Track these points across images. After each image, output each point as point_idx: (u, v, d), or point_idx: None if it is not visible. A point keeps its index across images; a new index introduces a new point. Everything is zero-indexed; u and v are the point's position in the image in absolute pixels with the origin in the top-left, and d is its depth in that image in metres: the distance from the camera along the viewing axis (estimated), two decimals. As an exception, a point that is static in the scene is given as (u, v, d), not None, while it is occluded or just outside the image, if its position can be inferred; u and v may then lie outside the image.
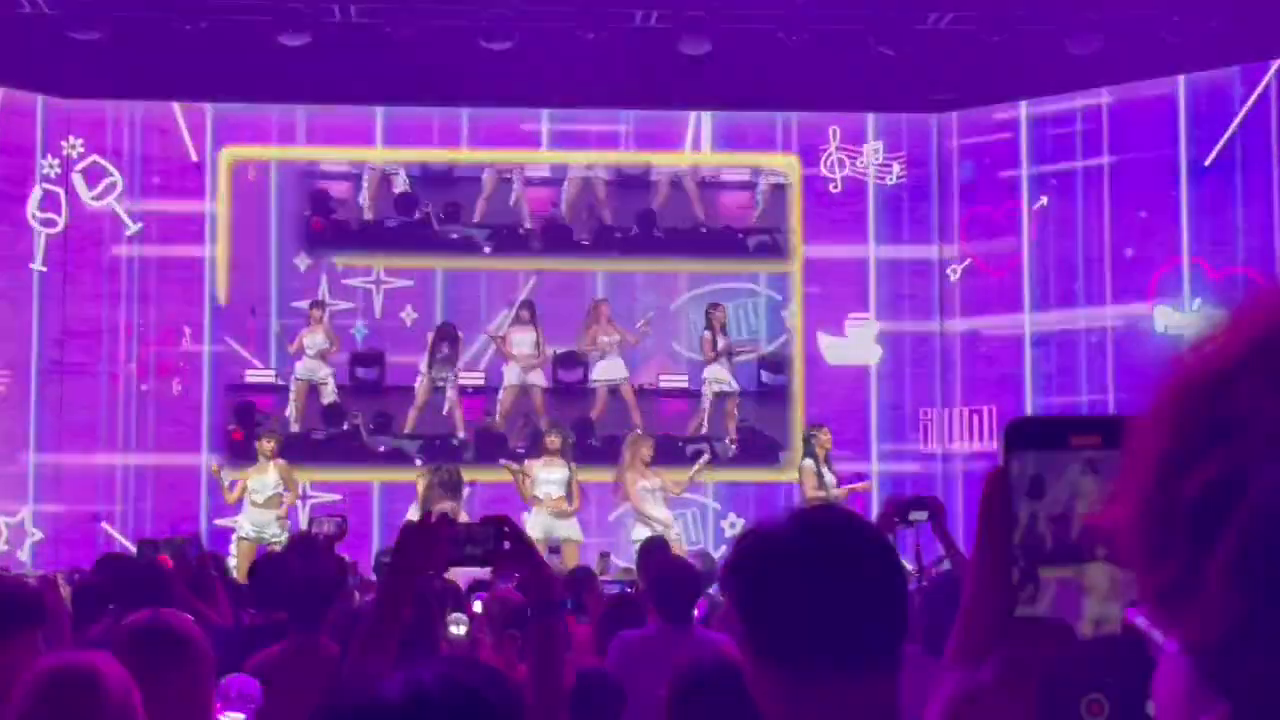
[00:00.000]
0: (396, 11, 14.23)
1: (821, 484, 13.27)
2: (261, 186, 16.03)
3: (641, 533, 12.60)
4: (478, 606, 7.04)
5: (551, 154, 16.44)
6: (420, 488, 13.38)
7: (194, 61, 14.38)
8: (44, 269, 15.35)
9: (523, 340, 15.59)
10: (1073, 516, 0.97)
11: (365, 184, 16.26)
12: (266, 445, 13.55)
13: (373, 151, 16.24)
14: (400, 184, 16.26)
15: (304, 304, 15.73)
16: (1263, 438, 0.67)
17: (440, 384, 15.65)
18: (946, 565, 6.61)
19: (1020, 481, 0.99)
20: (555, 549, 12.90)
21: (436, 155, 16.38)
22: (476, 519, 2.92)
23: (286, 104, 15.86)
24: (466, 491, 13.20)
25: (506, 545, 2.81)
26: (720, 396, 15.74)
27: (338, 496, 14.34)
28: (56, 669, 2.78)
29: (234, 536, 13.22)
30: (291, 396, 15.56)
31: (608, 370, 15.80)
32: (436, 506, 12.98)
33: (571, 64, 14.54)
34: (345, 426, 15.41)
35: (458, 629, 6.28)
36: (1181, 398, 0.73)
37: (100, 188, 15.58)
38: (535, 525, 13.09)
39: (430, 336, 15.60)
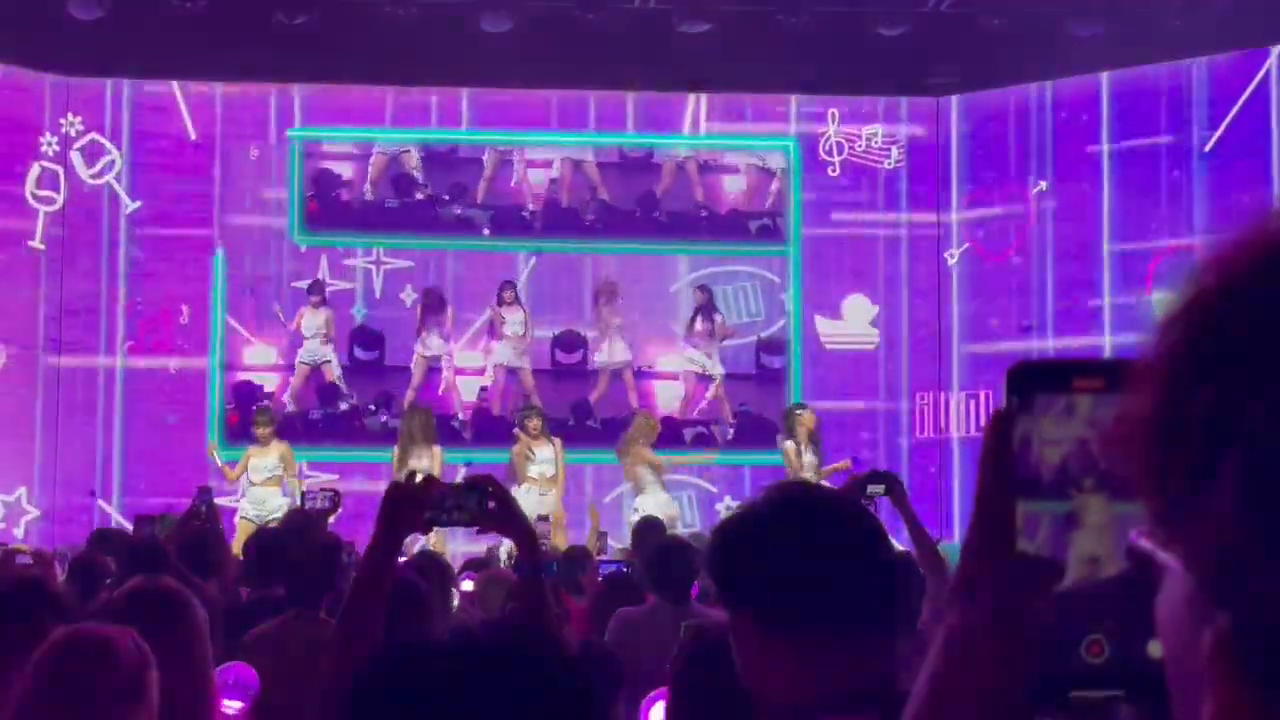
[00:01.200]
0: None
1: (802, 464, 13.31)
2: (262, 165, 16.01)
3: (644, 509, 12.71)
4: (468, 585, 7.06)
5: (551, 135, 16.41)
6: (400, 436, 13.51)
7: (193, 40, 14.36)
8: (43, 247, 15.34)
9: (513, 320, 15.61)
10: (1070, 453, 0.98)
11: (371, 165, 16.24)
12: (263, 429, 13.56)
13: (374, 131, 16.21)
14: (411, 164, 16.22)
15: (303, 284, 15.73)
16: (1271, 353, 0.68)
17: (435, 363, 15.68)
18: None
19: (1021, 421, 0.99)
20: (544, 518, 13.00)
21: (437, 136, 16.35)
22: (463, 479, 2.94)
23: (285, 83, 15.83)
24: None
25: (492, 505, 2.83)
26: (702, 378, 15.79)
27: (335, 476, 14.35)
28: (70, 639, 2.78)
29: (236, 517, 13.23)
30: (294, 378, 15.59)
31: (612, 353, 15.82)
32: (416, 454, 13.13)
33: (571, 45, 14.53)
34: (344, 407, 15.42)
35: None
36: (1191, 310, 0.73)
37: (99, 165, 15.56)
38: (524, 503, 13.14)
39: (419, 306, 15.66)
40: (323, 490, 7.11)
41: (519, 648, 1.52)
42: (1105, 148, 15.33)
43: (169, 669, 3.12)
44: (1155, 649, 0.85)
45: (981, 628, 1.01)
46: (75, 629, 2.84)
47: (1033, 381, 1.00)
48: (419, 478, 2.90)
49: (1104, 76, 15.27)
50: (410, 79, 15.69)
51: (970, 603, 1.02)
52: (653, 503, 13.20)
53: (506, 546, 8.43)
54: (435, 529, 2.87)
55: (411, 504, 2.80)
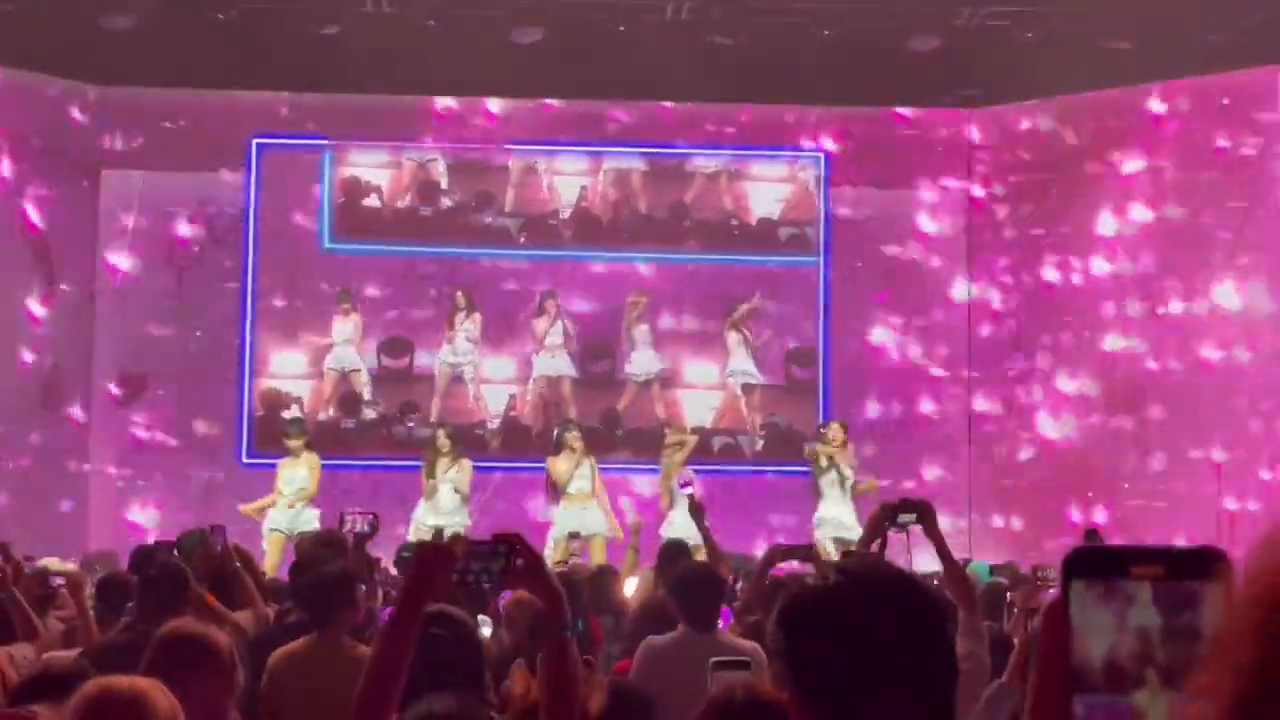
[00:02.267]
0: (427, 1, 14.22)
1: (837, 482, 13.18)
2: (294, 174, 16.07)
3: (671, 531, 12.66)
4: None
5: (581, 145, 16.40)
6: (427, 455, 13.55)
7: (224, 50, 14.41)
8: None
9: (552, 330, 15.63)
10: (1128, 643, 0.96)
11: (401, 173, 16.28)
12: (295, 440, 13.53)
13: (405, 141, 16.24)
14: (437, 173, 16.27)
15: (333, 291, 15.78)
16: None
17: (458, 371, 15.71)
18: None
19: (1078, 611, 0.98)
20: (575, 535, 12.96)
21: (467, 146, 16.36)
22: (489, 535, 2.93)
23: (317, 92, 15.87)
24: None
25: (519, 563, 2.82)
26: (747, 389, 15.76)
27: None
28: (102, 693, 2.79)
29: (264, 528, 13.24)
30: (324, 386, 15.65)
31: (640, 363, 15.81)
32: (444, 466, 13.14)
33: (602, 56, 14.51)
34: (372, 415, 15.46)
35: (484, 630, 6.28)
36: (1264, 620, 0.73)
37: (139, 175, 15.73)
38: (567, 519, 13.13)
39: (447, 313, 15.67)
40: (362, 514, 7.07)
41: None
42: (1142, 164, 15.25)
43: (193, 714, 3.14)
44: None
45: None
46: (106, 683, 2.85)
47: (1090, 568, 0.99)
48: (446, 535, 2.90)
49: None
50: (438, 88, 15.70)
51: None
52: (683, 519, 13.12)
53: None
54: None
55: (441, 563, 2.79)
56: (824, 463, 13.43)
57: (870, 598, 1.94)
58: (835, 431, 13.52)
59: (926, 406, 16.12)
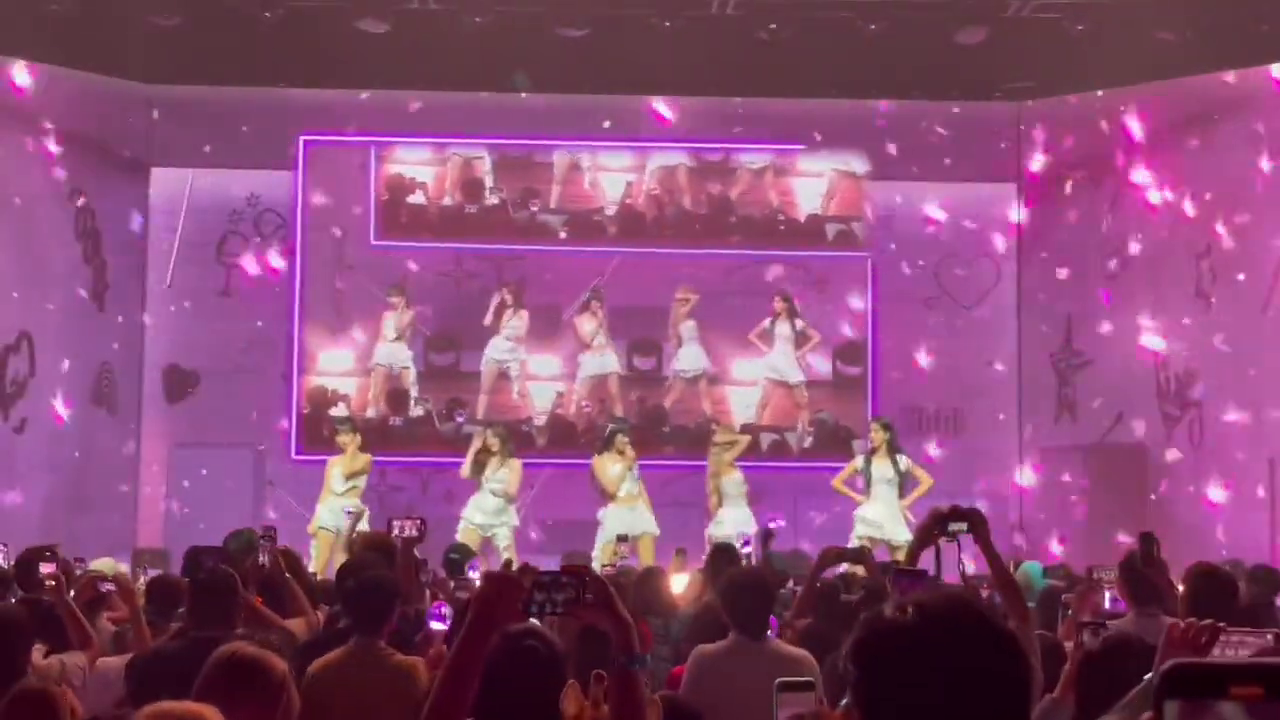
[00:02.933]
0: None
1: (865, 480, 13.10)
2: (341, 171, 16.12)
3: (719, 529, 12.62)
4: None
5: (627, 141, 16.37)
6: (473, 449, 13.54)
7: (271, 48, 14.46)
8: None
9: (593, 329, 15.62)
10: None
11: (446, 169, 16.30)
12: (346, 438, 13.51)
13: (451, 137, 16.25)
14: (483, 169, 16.28)
15: (380, 289, 15.82)
16: None
17: (504, 367, 15.72)
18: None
19: None
20: (623, 538, 12.90)
21: (512, 142, 16.35)
22: (559, 567, 2.89)
23: (364, 90, 15.91)
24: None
25: (589, 597, 2.77)
26: (781, 385, 15.68)
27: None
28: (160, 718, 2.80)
29: (311, 527, 13.26)
30: (373, 381, 15.70)
31: (687, 359, 15.76)
32: (493, 465, 13.12)
33: (647, 51, 14.46)
34: (420, 412, 15.48)
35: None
36: None
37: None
38: (616, 521, 13.09)
39: (495, 302, 15.65)
40: (409, 518, 7.09)
41: None
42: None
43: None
44: None
45: None
46: (162, 710, 2.85)
47: (1187, 687, 0.95)
48: (514, 567, 2.86)
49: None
50: (484, 84, 15.69)
51: None
52: (732, 517, 13.10)
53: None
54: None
55: (508, 595, 2.75)
56: (860, 464, 13.37)
57: (950, 638, 1.90)
58: (875, 432, 13.35)
59: (974, 402, 16.03)
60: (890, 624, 1.93)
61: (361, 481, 13.39)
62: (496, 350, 15.77)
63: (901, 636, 1.91)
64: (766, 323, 15.74)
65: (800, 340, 15.77)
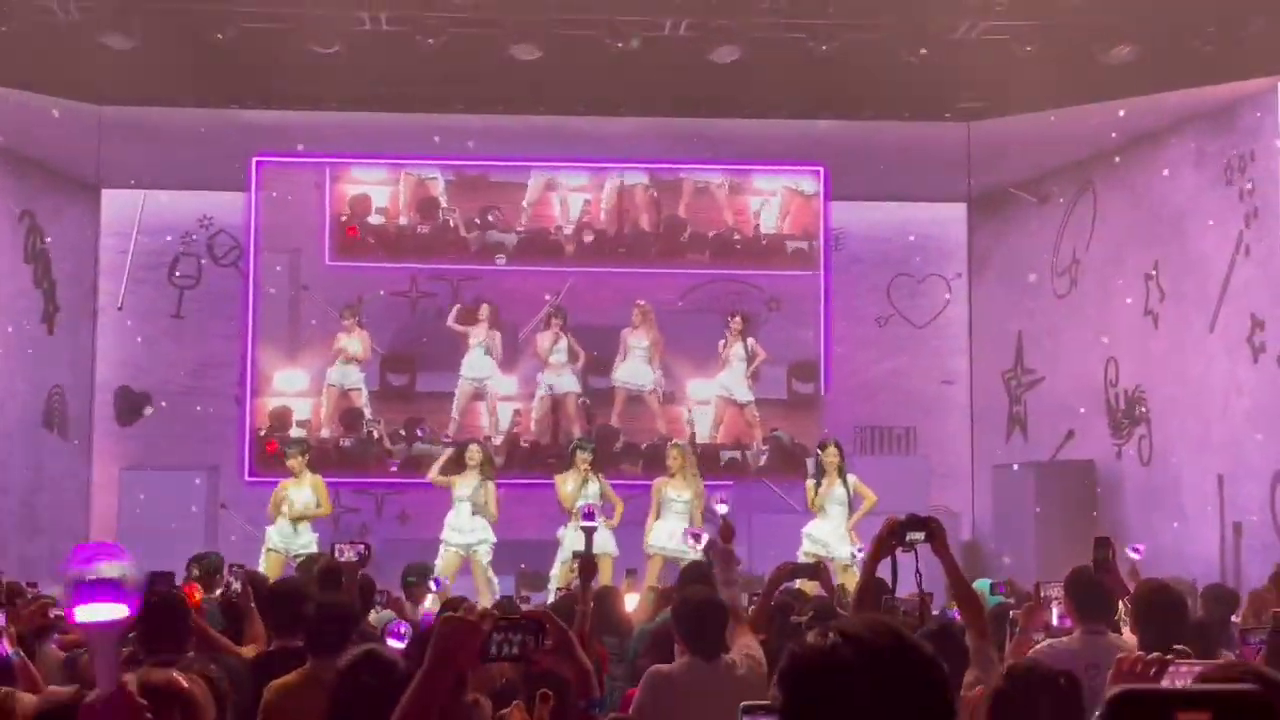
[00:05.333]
0: (426, 19, 14.21)
1: (820, 503, 13.09)
2: (295, 192, 16.08)
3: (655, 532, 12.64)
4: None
5: (582, 161, 16.41)
6: (441, 460, 13.51)
7: (224, 69, 14.40)
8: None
9: (557, 348, 15.62)
10: None
11: (400, 190, 16.29)
12: (296, 460, 13.43)
13: (405, 158, 16.25)
14: (437, 189, 16.29)
15: (334, 309, 15.78)
16: None
17: (479, 385, 15.69)
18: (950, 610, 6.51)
19: None
20: (579, 555, 12.84)
21: (466, 162, 16.37)
22: (520, 613, 2.87)
23: (317, 111, 15.87)
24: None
25: (548, 643, 2.76)
26: (732, 404, 15.71)
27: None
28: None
29: (263, 548, 13.18)
30: (324, 401, 15.63)
31: (627, 372, 15.76)
32: (463, 482, 13.07)
33: (601, 72, 14.50)
34: (374, 435, 15.43)
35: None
36: None
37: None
38: (575, 540, 13.03)
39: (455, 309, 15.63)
40: (352, 544, 7.07)
41: None
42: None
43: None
44: None
45: None
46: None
47: (1135, 714, 0.97)
48: (475, 611, 2.82)
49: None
50: (437, 105, 15.68)
51: None
52: (665, 530, 13.07)
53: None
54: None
55: (465, 639, 2.74)
56: (811, 487, 13.34)
57: (866, 662, 1.94)
58: (827, 455, 13.29)
59: (927, 419, 16.12)
60: (813, 652, 1.97)
61: (325, 504, 13.27)
62: (473, 369, 15.70)
63: (821, 664, 1.95)
64: (722, 342, 15.78)
65: (750, 358, 15.84)
